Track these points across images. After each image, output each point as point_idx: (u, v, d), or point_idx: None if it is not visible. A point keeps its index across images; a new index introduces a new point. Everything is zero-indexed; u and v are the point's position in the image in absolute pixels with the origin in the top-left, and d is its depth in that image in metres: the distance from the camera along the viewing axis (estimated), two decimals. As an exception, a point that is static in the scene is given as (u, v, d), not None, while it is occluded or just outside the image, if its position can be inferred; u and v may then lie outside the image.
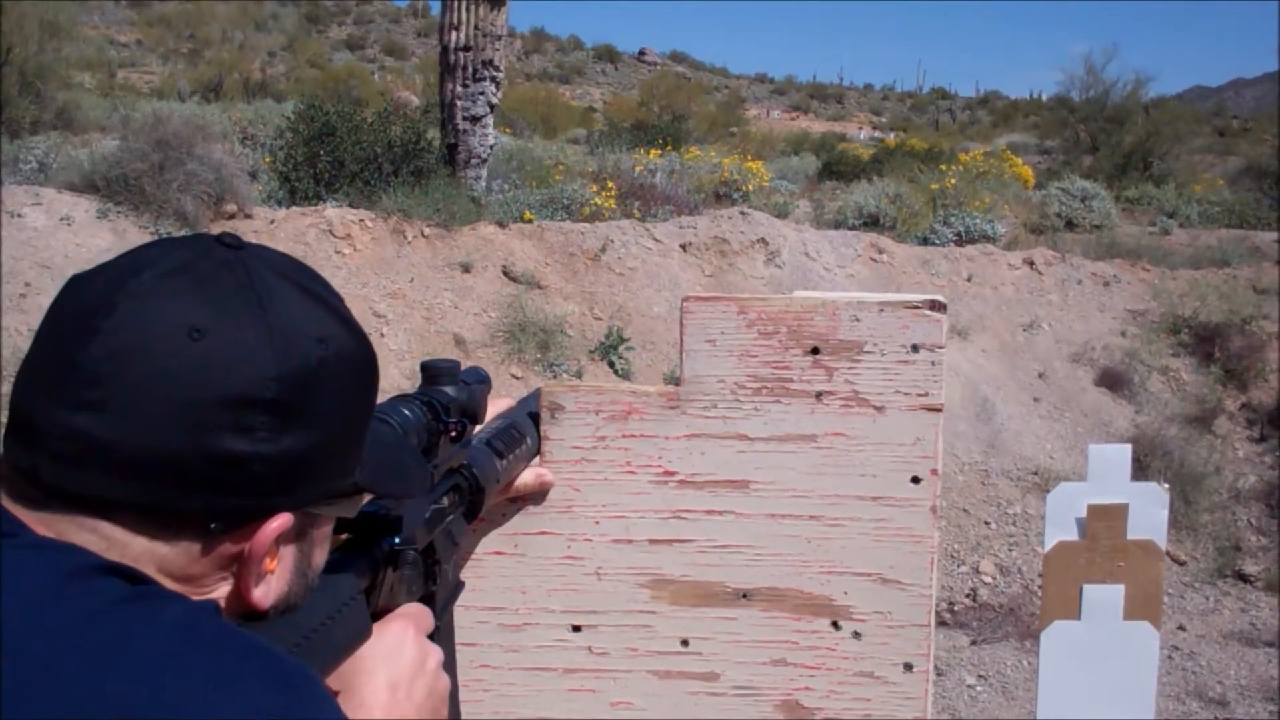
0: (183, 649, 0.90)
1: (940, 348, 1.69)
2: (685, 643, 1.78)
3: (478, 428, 1.60)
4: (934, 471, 1.71)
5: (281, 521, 1.03)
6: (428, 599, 1.35)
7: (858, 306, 1.68)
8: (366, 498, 1.20)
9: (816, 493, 1.72)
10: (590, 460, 1.75)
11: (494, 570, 1.76)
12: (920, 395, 1.69)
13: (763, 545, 1.74)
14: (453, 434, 1.48)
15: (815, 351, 1.70)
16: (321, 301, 1.06)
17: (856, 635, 1.75)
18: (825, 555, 1.73)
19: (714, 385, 1.72)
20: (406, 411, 1.39)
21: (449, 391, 1.51)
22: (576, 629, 1.80)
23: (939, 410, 1.70)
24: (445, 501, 1.44)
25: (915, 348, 1.68)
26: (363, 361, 1.09)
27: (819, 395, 1.70)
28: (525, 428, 1.72)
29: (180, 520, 0.99)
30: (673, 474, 1.74)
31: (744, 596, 1.76)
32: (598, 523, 1.77)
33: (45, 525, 0.97)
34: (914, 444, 1.70)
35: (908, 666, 1.75)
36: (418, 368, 1.53)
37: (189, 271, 1.00)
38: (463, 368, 1.57)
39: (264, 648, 0.97)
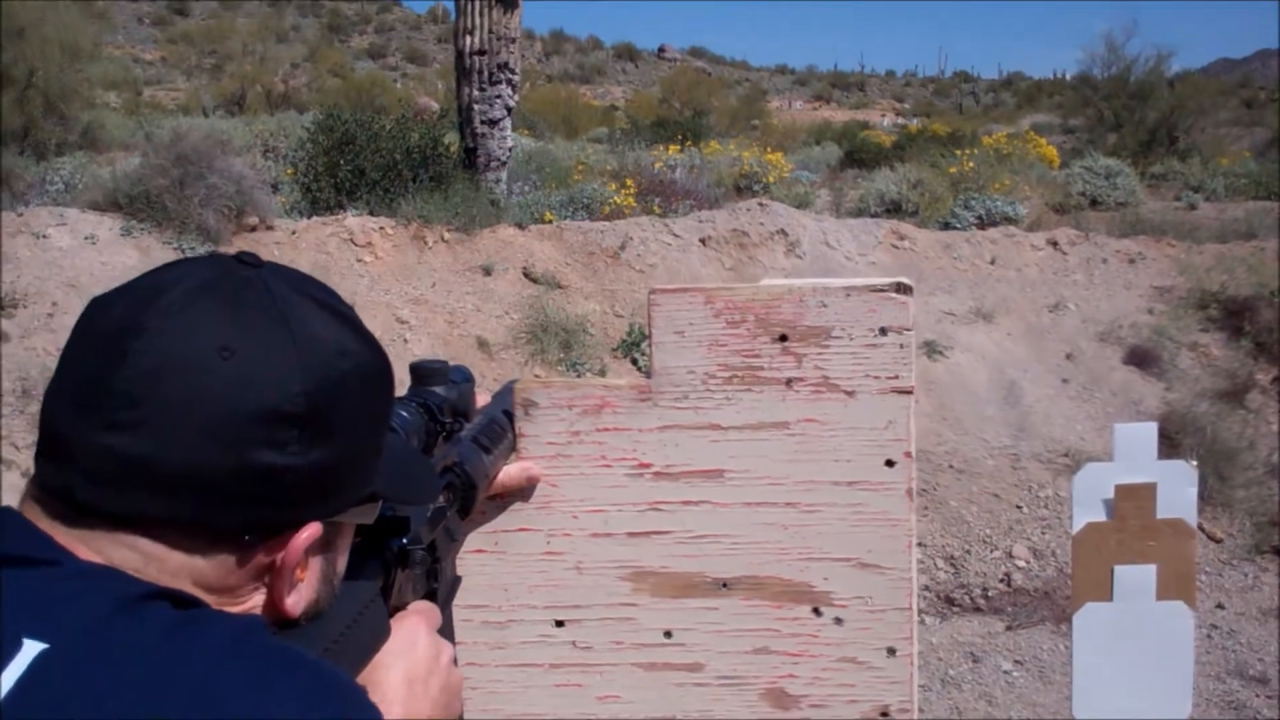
0: (235, 669, 0.93)
1: (908, 330, 1.68)
2: (668, 634, 1.78)
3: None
4: (908, 454, 1.70)
5: (312, 531, 1.06)
6: (430, 595, 1.38)
7: (824, 292, 1.68)
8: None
9: (791, 479, 1.72)
10: (566, 455, 1.76)
11: (476, 569, 1.77)
12: (890, 378, 1.69)
13: (740, 534, 1.74)
14: (448, 434, 1.50)
15: (783, 338, 1.69)
16: (338, 315, 1.09)
17: (838, 621, 1.74)
18: (803, 542, 1.73)
19: (684, 376, 1.72)
20: (405, 414, 1.41)
21: (440, 392, 1.54)
22: (560, 624, 1.80)
23: (910, 393, 1.69)
24: (442, 499, 1.45)
25: (883, 331, 1.68)
26: (380, 371, 1.12)
27: (789, 382, 1.70)
28: (504, 423, 1.74)
29: (216, 534, 1.02)
30: (648, 466, 1.75)
31: (724, 586, 1.76)
32: (576, 517, 1.77)
33: (83, 543, 0.99)
34: (886, 427, 1.70)
35: (891, 651, 1.75)
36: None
37: (213, 291, 1.02)
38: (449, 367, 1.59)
39: (312, 661, 1.01)
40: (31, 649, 0.90)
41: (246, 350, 1.00)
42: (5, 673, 0.90)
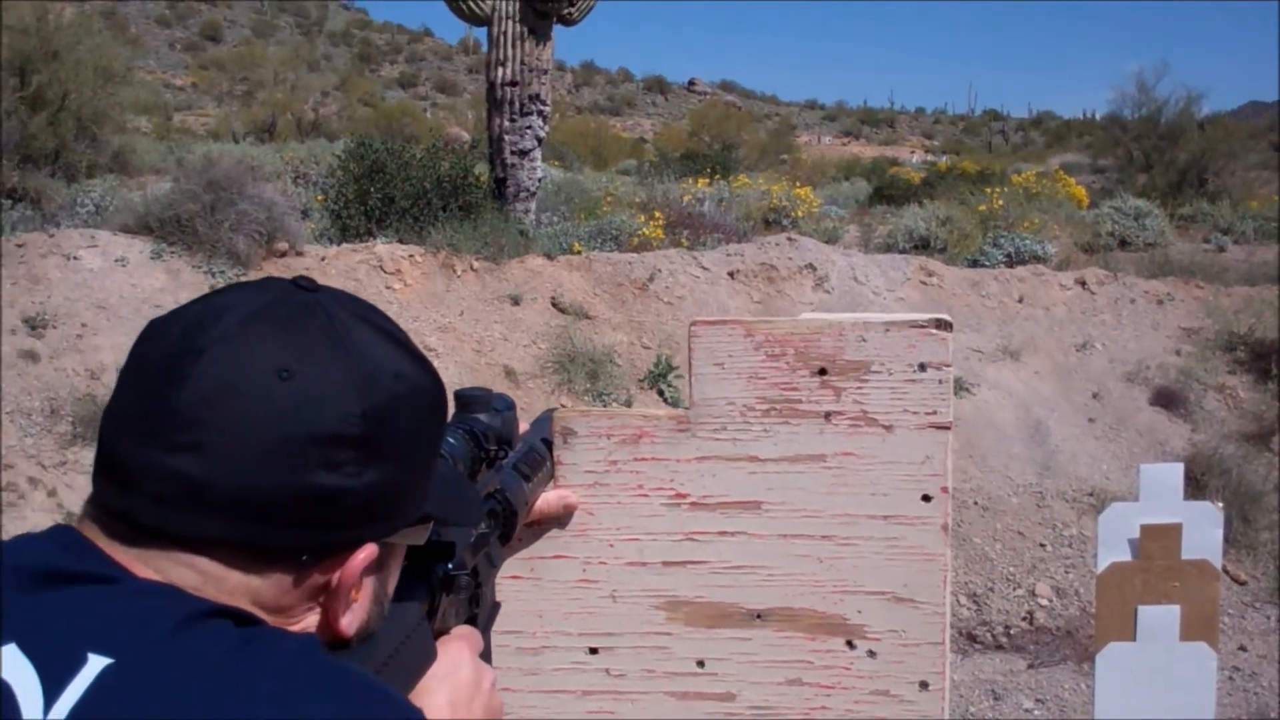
0: (298, 685, 0.95)
1: (947, 366, 1.69)
2: (701, 664, 1.78)
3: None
4: (944, 489, 1.71)
5: (369, 552, 1.07)
6: (471, 620, 1.39)
7: (864, 327, 1.69)
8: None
9: (828, 512, 1.73)
10: (603, 484, 1.77)
11: (511, 595, 1.78)
12: (929, 414, 1.70)
13: (775, 566, 1.75)
14: (491, 461, 1.52)
15: (823, 372, 1.70)
16: (393, 339, 1.10)
17: (871, 654, 1.75)
18: (838, 575, 1.74)
19: (723, 408, 1.73)
20: (452, 440, 1.43)
21: (484, 419, 1.55)
22: (593, 651, 1.80)
23: (948, 428, 1.70)
24: (485, 526, 1.46)
25: (922, 366, 1.69)
26: (434, 395, 1.14)
27: (828, 415, 1.71)
28: (544, 451, 1.75)
29: (273, 554, 1.03)
30: (685, 496, 1.75)
31: (758, 617, 1.76)
32: (612, 545, 1.78)
33: (143, 562, 1.00)
34: (923, 462, 1.70)
35: (923, 685, 1.75)
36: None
37: (270, 314, 1.04)
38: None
39: (370, 678, 1.02)
40: (96, 664, 0.92)
41: (304, 372, 1.01)
42: (70, 687, 0.91)
